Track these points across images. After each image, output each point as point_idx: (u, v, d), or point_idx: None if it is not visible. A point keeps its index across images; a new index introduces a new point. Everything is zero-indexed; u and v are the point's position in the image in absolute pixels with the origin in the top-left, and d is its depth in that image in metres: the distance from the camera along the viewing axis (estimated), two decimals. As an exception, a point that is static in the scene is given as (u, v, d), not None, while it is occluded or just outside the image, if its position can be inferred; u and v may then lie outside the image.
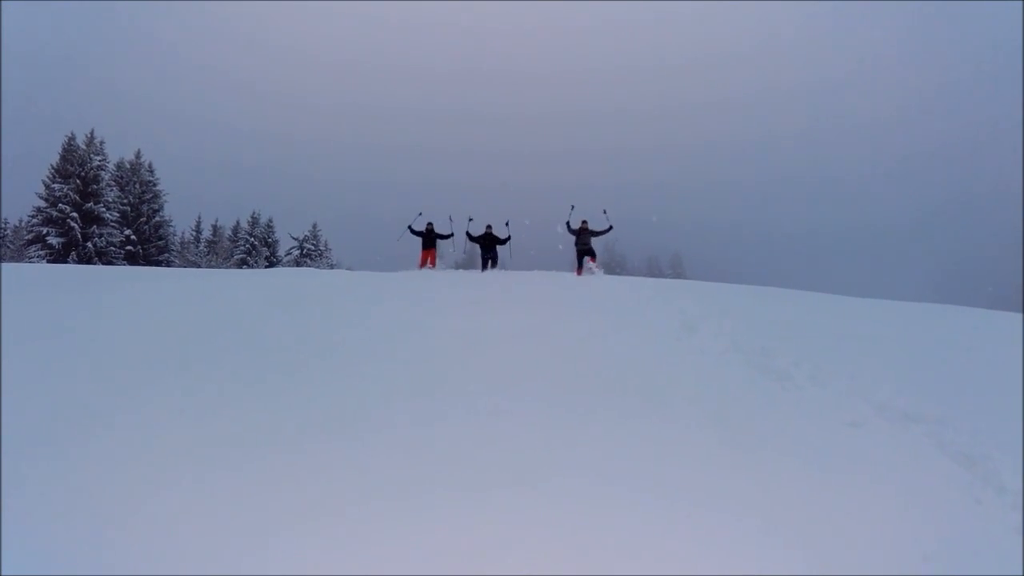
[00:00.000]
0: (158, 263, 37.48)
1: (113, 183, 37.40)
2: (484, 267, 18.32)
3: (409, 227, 19.00)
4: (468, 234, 18.79)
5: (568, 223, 18.36)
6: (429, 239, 18.67)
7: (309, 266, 40.72)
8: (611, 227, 18.45)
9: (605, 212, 18.73)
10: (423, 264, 18.24)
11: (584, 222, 18.00)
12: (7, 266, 12.23)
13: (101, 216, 34.95)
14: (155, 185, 39.92)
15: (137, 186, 38.74)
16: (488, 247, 18.46)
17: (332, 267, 40.84)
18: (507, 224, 19.26)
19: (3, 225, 42.09)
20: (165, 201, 40.36)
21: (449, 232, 19.13)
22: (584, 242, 17.86)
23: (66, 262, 31.34)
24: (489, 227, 18.70)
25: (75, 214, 33.88)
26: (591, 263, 17.48)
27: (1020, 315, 10.47)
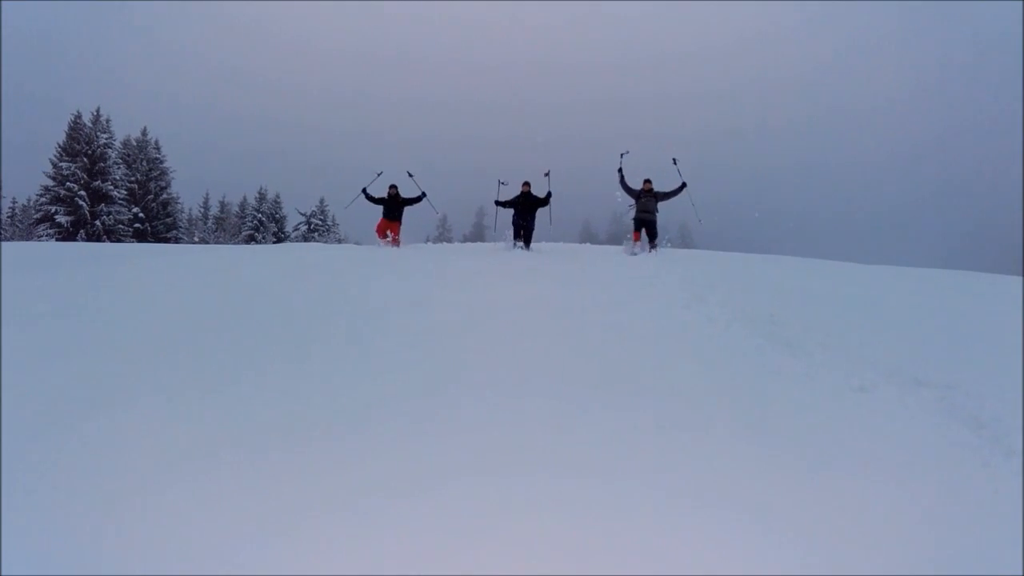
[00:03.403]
0: (166, 240, 37.59)
1: (120, 161, 37.41)
2: (516, 236, 14.04)
3: (364, 192, 14.81)
4: (498, 203, 14.56)
5: (621, 172, 13.72)
6: (394, 207, 14.62)
7: (317, 241, 40.78)
8: (684, 184, 13.52)
9: (675, 162, 14.03)
10: (383, 236, 14.46)
11: (647, 182, 13.49)
12: (13, 245, 12.27)
13: (109, 194, 35.04)
14: (162, 162, 39.96)
15: (144, 163, 38.76)
16: (526, 211, 13.97)
17: (340, 242, 40.86)
18: (547, 175, 14.55)
19: (12, 204, 42.17)
20: (172, 178, 40.41)
21: (419, 194, 15.03)
22: (647, 208, 13.38)
23: (75, 240, 31.47)
24: (527, 185, 14.12)
25: (83, 192, 33.96)
26: (650, 244, 13.28)
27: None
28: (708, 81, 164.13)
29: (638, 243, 13.31)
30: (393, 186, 14.72)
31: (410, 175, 15.38)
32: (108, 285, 7.69)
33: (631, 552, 2.49)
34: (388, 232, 14.45)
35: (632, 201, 13.66)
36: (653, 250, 13.23)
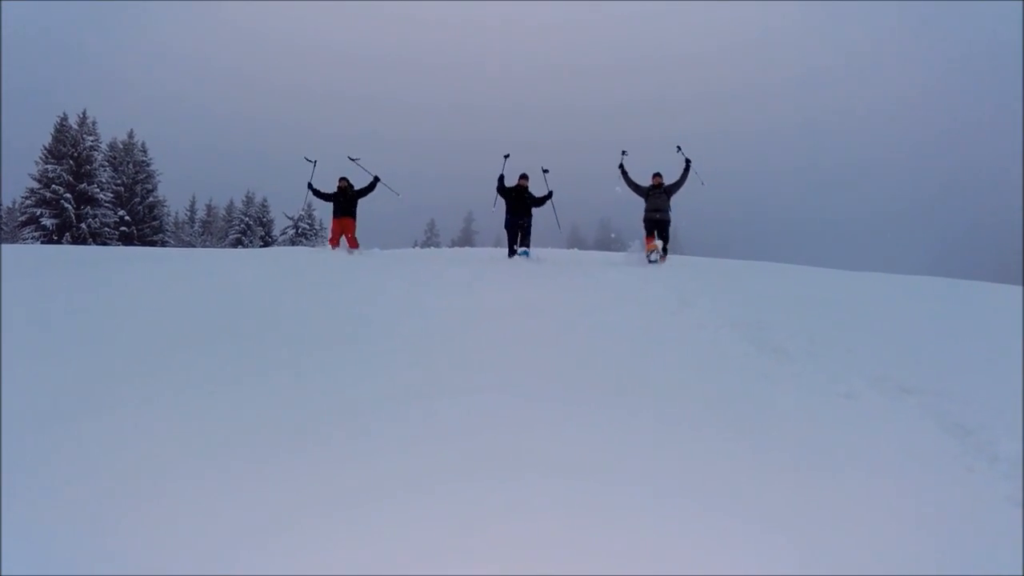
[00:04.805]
0: (153, 243, 37.32)
1: (106, 163, 37.14)
2: (512, 242, 12.53)
3: (310, 187, 13.00)
4: (501, 181, 12.51)
5: (622, 169, 12.39)
6: (345, 202, 12.73)
7: (304, 245, 40.62)
8: (688, 161, 12.20)
9: (680, 149, 12.58)
10: (336, 240, 12.79)
11: (657, 175, 12.13)
12: (3, 248, 12.15)
13: (95, 197, 34.77)
14: (148, 165, 39.68)
15: (130, 166, 38.48)
16: (519, 208, 12.35)
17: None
18: (545, 172, 13.17)
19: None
20: (159, 181, 40.12)
21: (370, 181, 12.94)
22: (658, 207, 11.95)
23: (60, 243, 31.21)
24: (524, 179, 12.39)
25: (68, 195, 33.69)
26: (661, 247, 11.83)
27: (1020, 287, 10.48)
28: (705, 83, 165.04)
29: (654, 251, 11.80)
30: (343, 179, 12.91)
31: (352, 159, 13.45)
32: (102, 287, 7.66)
33: (619, 553, 2.50)
34: (342, 236, 12.83)
35: (642, 200, 12.28)
36: (663, 255, 11.98)
